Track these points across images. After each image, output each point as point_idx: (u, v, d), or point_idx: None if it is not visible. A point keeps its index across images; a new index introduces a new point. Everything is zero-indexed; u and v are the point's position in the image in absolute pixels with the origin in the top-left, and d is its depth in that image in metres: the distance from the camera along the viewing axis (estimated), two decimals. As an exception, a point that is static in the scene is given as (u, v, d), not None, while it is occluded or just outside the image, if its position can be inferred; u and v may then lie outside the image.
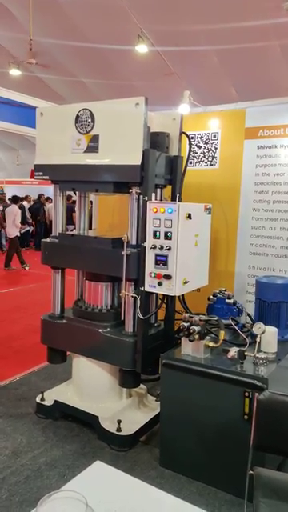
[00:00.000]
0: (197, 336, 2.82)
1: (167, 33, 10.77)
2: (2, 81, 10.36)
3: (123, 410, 3.41)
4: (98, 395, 3.43)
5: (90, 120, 3.11)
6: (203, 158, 4.06)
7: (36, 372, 4.52)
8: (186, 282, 2.96)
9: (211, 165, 4.03)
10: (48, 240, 3.51)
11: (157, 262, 2.94)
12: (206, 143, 4.03)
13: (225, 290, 3.44)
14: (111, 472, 1.65)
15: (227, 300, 3.31)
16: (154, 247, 2.93)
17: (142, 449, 3.22)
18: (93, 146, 3.11)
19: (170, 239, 2.87)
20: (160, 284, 2.94)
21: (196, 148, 4.04)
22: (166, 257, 2.90)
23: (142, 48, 11.12)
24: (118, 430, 3.20)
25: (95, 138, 3.10)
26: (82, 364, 3.44)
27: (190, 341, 2.81)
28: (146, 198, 2.94)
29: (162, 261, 2.92)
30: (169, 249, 2.87)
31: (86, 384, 3.47)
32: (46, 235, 14.13)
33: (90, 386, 3.45)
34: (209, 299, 3.38)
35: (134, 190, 3.00)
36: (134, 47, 10.97)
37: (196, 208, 3.03)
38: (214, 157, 4.01)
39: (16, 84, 10.73)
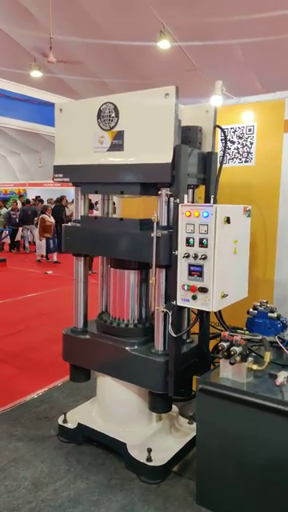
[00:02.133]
0: (238, 358, 2.46)
1: (189, 27, 10.40)
2: (21, 78, 10.18)
3: (153, 435, 3.08)
4: (125, 418, 3.11)
5: (113, 115, 2.79)
6: (237, 155, 3.68)
7: (58, 387, 4.24)
8: (224, 296, 2.61)
9: (246, 162, 3.65)
10: (69, 224, 3.20)
11: (190, 273, 2.59)
12: (241, 138, 3.65)
13: (266, 302, 3.06)
14: None
15: (270, 314, 2.93)
16: (188, 256, 2.58)
17: (176, 481, 2.87)
18: (117, 144, 2.79)
19: (206, 247, 2.51)
20: (194, 298, 2.59)
21: (229, 143, 3.67)
22: (202, 267, 2.55)
23: (164, 44, 10.80)
24: (149, 459, 2.87)
25: (120, 135, 2.78)
26: (108, 384, 3.12)
27: (231, 364, 2.45)
28: (178, 200, 2.60)
29: (196, 271, 2.57)
30: (204, 258, 2.52)
31: (112, 406, 3.15)
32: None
33: (117, 409, 3.13)
34: (248, 313, 3.01)
35: (164, 192, 2.66)
36: (155, 43, 10.66)
37: (235, 211, 2.67)
38: (249, 153, 3.63)
39: (35, 82, 10.54)
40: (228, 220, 2.53)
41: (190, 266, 2.59)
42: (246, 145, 3.63)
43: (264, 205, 3.47)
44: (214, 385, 2.51)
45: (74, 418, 3.32)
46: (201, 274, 2.55)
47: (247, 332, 2.88)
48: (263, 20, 9.48)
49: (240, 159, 3.67)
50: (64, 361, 3.37)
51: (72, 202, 13.00)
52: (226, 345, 2.51)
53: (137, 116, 2.70)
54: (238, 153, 3.67)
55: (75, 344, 3.24)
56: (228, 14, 9.22)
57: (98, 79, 12.56)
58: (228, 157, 3.68)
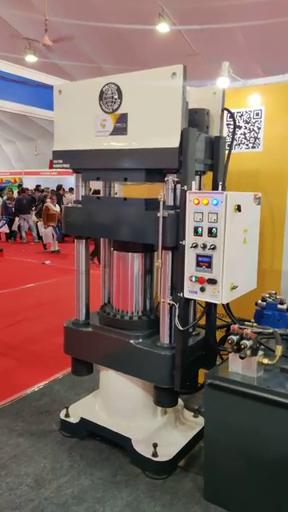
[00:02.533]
0: (248, 352, 2.36)
1: (189, 10, 10.12)
2: (16, 62, 9.87)
3: (158, 429, 3.00)
4: (130, 413, 3.02)
5: (116, 96, 2.64)
6: (244, 140, 3.54)
7: (59, 380, 4.15)
8: (233, 288, 2.49)
9: (253, 147, 3.51)
10: (70, 205, 3.07)
11: (199, 264, 2.47)
12: (248, 122, 3.51)
13: (275, 294, 2.95)
14: None
15: (279, 305, 2.82)
16: (196, 246, 2.46)
17: (182, 476, 2.80)
18: (120, 127, 2.65)
19: (215, 236, 2.39)
20: (203, 290, 2.48)
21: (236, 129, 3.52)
22: (210, 257, 2.43)
23: (162, 27, 10.53)
24: (154, 454, 2.79)
25: (123, 118, 2.63)
26: (111, 378, 3.03)
27: (241, 358, 2.35)
28: (186, 187, 2.47)
29: (205, 262, 2.45)
30: (213, 248, 2.40)
31: (116, 400, 3.06)
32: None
33: (121, 403, 3.04)
34: (257, 304, 2.90)
35: (171, 178, 2.53)
36: (154, 27, 10.39)
37: (245, 198, 2.54)
38: (256, 138, 3.50)
39: (30, 67, 10.24)
40: (239, 208, 2.41)
41: (198, 256, 2.47)
42: (254, 130, 3.49)
43: (272, 192, 3.34)
44: (223, 379, 2.41)
45: (76, 412, 3.23)
46: (209, 265, 2.43)
47: (255, 324, 2.78)
48: (264, 3, 9.24)
49: (247, 145, 3.53)
50: (66, 354, 3.26)
51: (69, 190, 12.86)
52: (235, 338, 2.40)
53: (141, 97, 2.56)
54: (245, 138, 3.53)
55: (77, 337, 3.14)
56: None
57: (94, 65, 12.28)
58: (234, 142, 3.54)
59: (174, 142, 2.43)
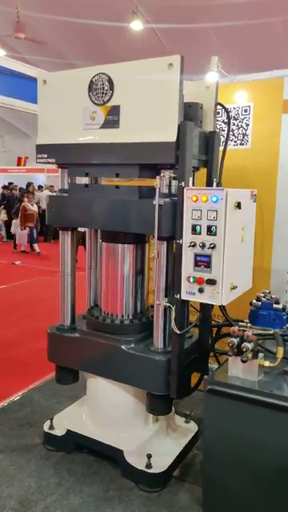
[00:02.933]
0: (250, 355, 2.26)
1: (163, 9, 10.06)
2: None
3: (151, 439, 2.85)
4: (120, 422, 2.86)
5: (107, 87, 2.48)
6: (232, 137, 3.46)
7: (39, 388, 3.92)
8: (233, 288, 2.39)
9: (242, 144, 3.44)
10: (54, 194, 2.86)
11: (197, 264, 2.35)
12: (236, 119, 3.43)
13: (269, 293, 2.88)
14: None
15: (275, 305, 2.74)
16: (194, 245, 2.34)
17: (178, 487, 2.67)
18: (112, 120, 2.49)
19: (215, 235, 2.28)
20: (201, 291, 2.36)
21: (223, 125, 3.44)
22: (209, 257, 2.31)
23: (136, 25, 10.41)
24: (148, 466, 2.65)
25: (115, 110, 2.48)
26: (100, 386, 2.85)
27: (243, 361, 2.25)
28: (183, 183, 2.34)
29: (203, 262, 2.33)
30: (213, 247, 2.29)
31: (105, 409, 2.88)
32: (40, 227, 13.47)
33: (111, 412, 2.87)
34: (252, 304, 2.82)
35: (168, 174, 2.39)
36: (128, 24, 10.26)
37: (243, 195, 2.44)
38: (244, 135, 3.43)
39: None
40: (239, 205, 2.30)
41: (196, 255, 2.35)
42: (242, 126, 3.42)
43: (261, 190, 3.20)
44: (224, 385, 2.30)
45: (61, 424, 3.03)
46: (209, 265, 2.32)
47: (249, 325, 2.69)
48: (237, 4, 9.30)
49: (235, 142, 3.46)
50: (50, 362, 3.06)
51: (38, 188, 12.48)
52: (236, 341, 2.30)
53: (135, 89, 2.41)
54: (233, 135, 3.45)
55: (63, 343, 2.94)
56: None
57: (66, 61, 11.98)
58: (222, 139, 3.45)
59: (171, 136, 2.30)
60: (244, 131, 3.42)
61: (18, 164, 19.39)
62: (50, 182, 17.36)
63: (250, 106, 3.38)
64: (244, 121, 3.41)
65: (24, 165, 19.53)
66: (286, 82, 3.23)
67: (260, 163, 3.35)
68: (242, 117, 3.41)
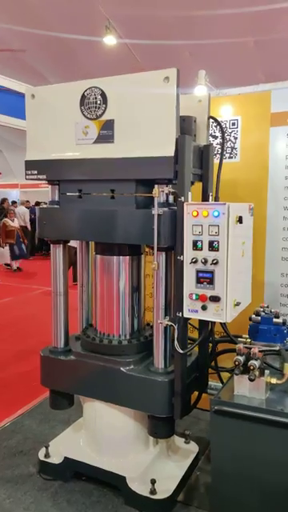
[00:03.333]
0: (257, 373, 2.21)
1: (136, 24, 10.15)
2: None
3: (153, 462, 2.74)
4: (121, 447, 2.74)
5: (100, 101, 2.42)
6: (220, 150, 3.45)
7: (28, 413, 3.75)
8: (237, 304, 2.35)
9: (230, 157, 3.44)
10: (45, 206, 2.75)
11: (199, 280, 2.30)
12: (224, 132, 3.42)
13: (267, 307, 2.85)
14: None
15: (275, 319, 2.71)
16: (195, 261, 2.29)
17: (184, 513, 2.57)
18: (106, 135, 2.43)
19: (217, 250, 2.23)
20: (204, 308, 2.30)
21: (211, 138, 3.43)
22: (212, 273, 2.26)
23: (109, 39, 10.45)
24: (153, 491, 2.54)
25: (109, 124, 2.41)
26: (99, 410, 2.73)
27: (251, 380, 2.20)
28: (182, 198, 2.30)
29: (206, 278, 2.28)
30: (216, 263, 2.24)
31: (105, 434, 2.76)
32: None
33: (110, 437, 2.75)
34: (251, 319, 2.78)
35: (167, 189, 2.34)
36: (101, 38, 10.28)
37: (242, 209, 2.42)
38: (233, 148, 3.43)
39: None
40: (240, 220, 2.27)
41: (198, 272, 2.29)
42: (230, 140, 3.42)
43: (251, 203, 3.27)
44: (231, 405, 2.23)
45: (57, 451, 2.89)
46: (211, 281, 2.27)
47: (249, 340, 2.65)
48: (211, 22, 9.49)
49: (224, 155, 3.44)
50: (43, 386, 2.92)
51: (12, 204, 12.15)
52: (241, 358, 2.25)
53: (130, 103, 2.36)
54: (222, 148, 3.44)
55: (57, 366, 2.82)
56: (176, 10, 9.06)
57: (37, 75, 11.89)
58: (223, 152, 3.44)
59: (169, 151, 2.26)
60: (232, 144, 3.42)
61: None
62: (23, 197, 17.07)
63: (237, 120, 3.39)
64: (232, 134, 3.41)
65: (-3, 180, 19.19)
66: (273, 95, 3.26)
67: (249, 176, 3.35)
68: (230, 130, 3.42)
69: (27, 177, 2.71)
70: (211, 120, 2.81)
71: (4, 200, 14.14)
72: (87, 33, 10.04)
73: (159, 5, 8.86)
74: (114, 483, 2.66)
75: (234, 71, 10.29)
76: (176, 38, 10.07)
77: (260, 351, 2.26)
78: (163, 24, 9.56)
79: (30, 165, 2.67)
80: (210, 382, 2.95)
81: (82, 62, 11.26)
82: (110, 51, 10.82)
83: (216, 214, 2.21)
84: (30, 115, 2.67)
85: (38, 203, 13.85)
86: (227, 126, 3.41)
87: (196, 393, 2.82)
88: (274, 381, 2.26)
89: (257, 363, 2.21)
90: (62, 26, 9.78)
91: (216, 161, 2.79)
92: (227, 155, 3.44)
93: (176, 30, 9.85)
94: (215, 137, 3.45)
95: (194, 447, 3.05)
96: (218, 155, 3.41)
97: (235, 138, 3.41)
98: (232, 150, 3.43)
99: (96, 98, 2.43)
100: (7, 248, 11.69)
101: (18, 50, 10.73)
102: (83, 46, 10.67)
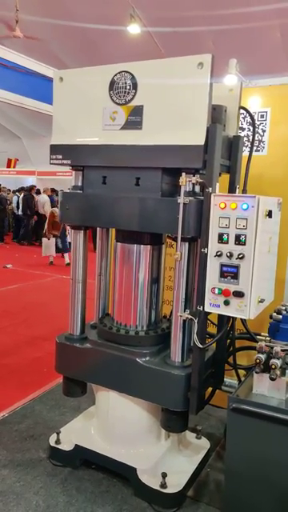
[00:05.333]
0: (279, 372, 2.15)
1: (161, 13, 10.01)
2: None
3: (164, 456, 2.72)
4: (133, 438, 2.72)
5: (130, 87, 2.36)
6: (247, 143, 3.35)
7: (40, 398, 3.75)
8: (261, 301, 2.28)
9: (257, 151, 3.34)
10: (68, 191, 2.71)
11: (223, 275, 2.24)
12: (255, 124, 3.33)
13: (289, 305, 2.78)
14: None
15: (296, 318, 2.65)
16: (220, 254, 2.23)
17: (194, 509, 2.54)
18: (134, 121, 2.37)
19: (244, 244, 2.17)
20: (227, 303, 2.24)
21: (239, 130, 3.34)
22: (237, 267, 2.20)
23: (133, 28, 10.33)
24: (163, 485, 2.51)
25: (138, 110, 2.35)
26: (112, 400, 2.71)
27: (272, 379, 2.14)
28: (210, 189, 2.23)
29: (230, 273, 2.22)
30: (242, 257, 2.18)
31: (117, 424, 2.74)
32: (36, 229, 13.32)
33: (123, 428, 2.72)
34: (271, 317, 2.71)
35: (194, 179, 2.27)
36: (125, 27, 10.17)
37: (271, 203, 2.35)
38: (261, 141, 3.34)
39: None
40: (269, 214, 2.20)
41: (222, 266, 2.24)
42: (258, 132, 3.33)
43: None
44: (250, 403, 2.18)
45: (68, 438, 2.88)
46: (236, 276, 2.21)
47: (268, 338, 2.59)
48: (235, 8, 9.33)
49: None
50: (58, 372, 2.91)
51: (37, 192, 11.99)
52: (263, 357, 2.20)
53: (160, 89, 2.29)
54: (249, 141, 3.35)
55: (72, 354, 2.80)
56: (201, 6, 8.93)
57: (61, 64, 11.82)
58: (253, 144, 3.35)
59: (199, 140, 2.19)
60: (260, 137, 3.33)
61: (8, 166, 19.03)
62: (39, 184, 17.11)
63: (266, 112, 3.30)
64: (260, 127, 3.32)
65: (14, 167, 19.21)
66: (306, 88, 3.16)
67: (276, 171, 3.26)
68: (259, 122, 3.32)
69: (51, 161, 2.67)
70: (241, 111, 2.73)
71: (32, 187, 14.17)
72: (111, 22, 9.93)
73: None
74: (123, 474, 2.64)
75: (259, 61, 10.11)
76: (200, 24, 9.92)
77: (283, 350, 2.20)
78: (187, 9, 9.41)
79: (55, 149, 2.63)
80: (226, 379, 2.91)
81: (104, 51, 11.16)
82: (133, 41, 10.71)
83: (245, 206, 2.14)
84: (57, 98, 2.62)
85: (53, 190, 13.82)
86: (256, 117, 3.32)
87: (209, 388, 2.78)
88: (294, 381, 2.21)
89: (279, 362, 2.15)
90: (87, 15, 9.68)
91: (245, 153, 2.71)
92: (254, 148, 3.34)
93: (199, 19, 9.69)
94: (242, 129, 3.36)
95: (205, 443, 3.01)
96: (245, 148, 3.36)
97: (263, 131, 3.32)
98: (259, 143, 3.34)
99: (126, 83, 2.37)
100: (52, 240, 10.63)
101: (42, 40, 10.67)
102: (107, 36, 10.56)
